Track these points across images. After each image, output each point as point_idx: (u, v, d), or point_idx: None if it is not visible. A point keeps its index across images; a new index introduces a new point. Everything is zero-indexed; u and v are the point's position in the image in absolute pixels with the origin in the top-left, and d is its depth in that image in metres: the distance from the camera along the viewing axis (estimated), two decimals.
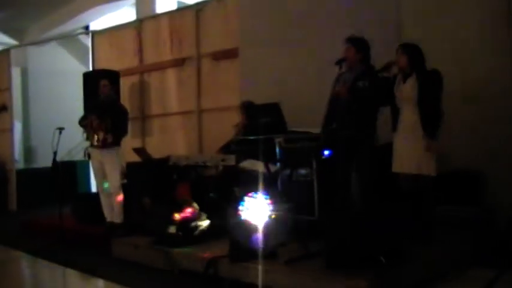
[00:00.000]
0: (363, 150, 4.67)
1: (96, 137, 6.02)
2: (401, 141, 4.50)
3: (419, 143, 4.36)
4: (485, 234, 4.63)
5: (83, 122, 6.24)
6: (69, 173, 9.84)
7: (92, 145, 6.15)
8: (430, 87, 4.34)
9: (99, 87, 6.25)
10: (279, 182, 5.40)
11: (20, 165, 11.56)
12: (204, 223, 5.29)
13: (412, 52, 4.46)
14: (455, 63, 5.09)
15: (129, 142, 7.65)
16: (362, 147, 4.66)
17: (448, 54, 5.12)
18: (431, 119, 4.33)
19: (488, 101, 5.03)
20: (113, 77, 7.61)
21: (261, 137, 5.28)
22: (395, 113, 4.57)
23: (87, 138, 6.19)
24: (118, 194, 6.12)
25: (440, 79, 4.36)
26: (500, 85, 4.97)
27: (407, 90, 4.44)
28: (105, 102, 6.19)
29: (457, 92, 4.66)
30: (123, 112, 6.32)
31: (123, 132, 6.22)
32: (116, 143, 6.10)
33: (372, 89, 4.62)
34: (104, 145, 5.99)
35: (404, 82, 4.49)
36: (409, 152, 4.43)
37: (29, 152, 12.15)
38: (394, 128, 4.57)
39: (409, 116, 4.43)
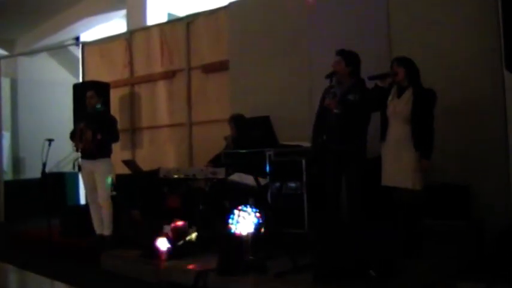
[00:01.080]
0: (353, 163, 4.70)
1: (85, 140, 5.91)
2: (389, 154, 4.53)
3: (406, 157, 4.39)
4: (473, 247, 4.65)
5: (73, 136, 6.22)
6: (58, 185, 9.79)
7: (82, 156, 6.10)
8: (425, 105, 4.37)
9: (86, 99, 6.23)
10: (268, 195, 5.42)
11: (8, 176, 11.47)
12: (194, 236, 5.29)
13: (408, 65, 4.49)
14: (443, 76, 5.13)
15: (119, 154, 7.63)
16: (352, 160, 4.69)
17: (437, 67, 5.16)
18: (424, 138, 4.35)
19: (477, 114, 5.07)
20: (102, 88, 7.59)
21: (251, 150, 5.31)
22: (385, 123, 4.59)
23: (77, 150, 6.15)
24: (108, 205, 6.07)
25: (435, 98, 4.41)
26: (489, 98, 5.01)
27: (400, 105, 4.46)
28: (93, 113, 6.16)
29: (445, 105, 4.69)
30: (112, 119, 6.28)
31: (115, 137, 6.15)
32: (107, 153, 6.06)
33: (363, 102, 4.66)
34: (95, 145, 5.89)
35: (399, 97, 4.51)
36: (396, 166, 4.46)
37: (17, 163, 12.08)
38: (383, 137, 4.59)
39: (398, 130, 4.46)
